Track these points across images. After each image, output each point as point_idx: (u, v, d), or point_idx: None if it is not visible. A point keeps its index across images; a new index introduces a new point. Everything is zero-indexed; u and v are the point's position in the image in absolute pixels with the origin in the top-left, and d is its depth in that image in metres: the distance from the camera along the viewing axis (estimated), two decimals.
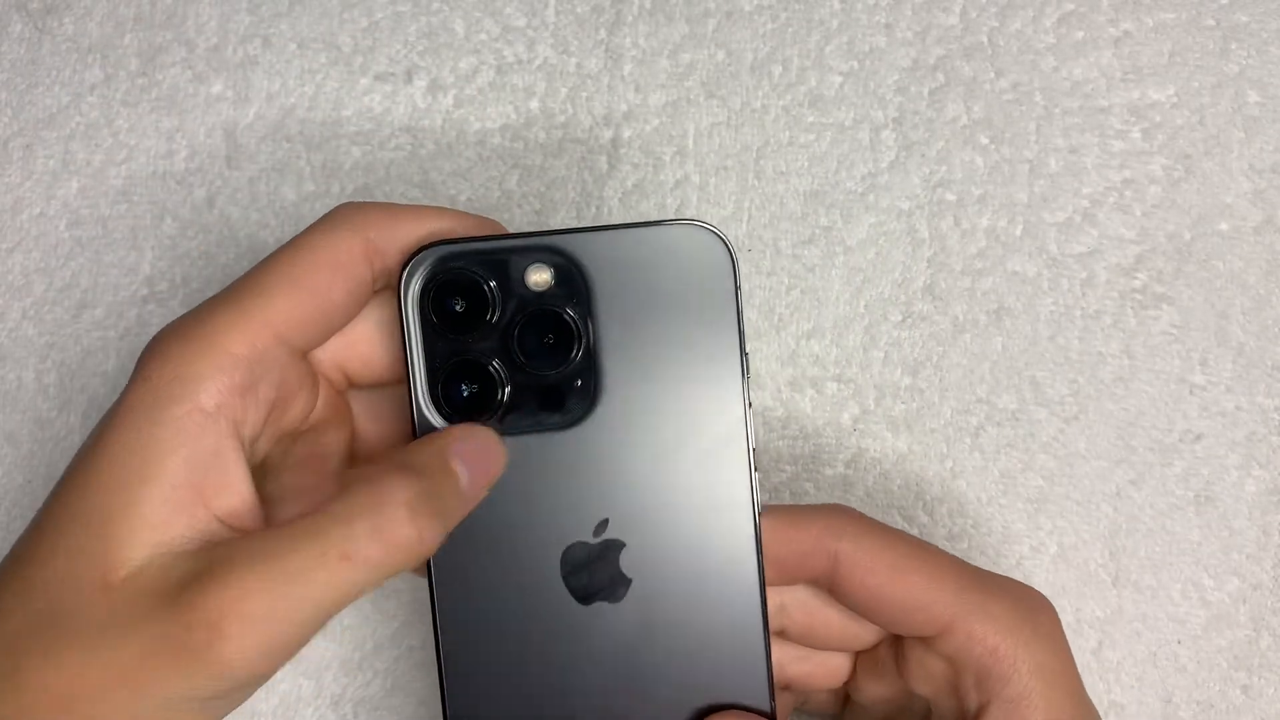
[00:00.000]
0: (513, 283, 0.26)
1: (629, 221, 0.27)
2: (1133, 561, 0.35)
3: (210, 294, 0.36)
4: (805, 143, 0.36)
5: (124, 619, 0.23)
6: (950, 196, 0.36)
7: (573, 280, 0.26)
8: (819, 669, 0.30)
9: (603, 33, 0.37)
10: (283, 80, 0.37)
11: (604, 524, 0.27)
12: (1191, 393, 0.36)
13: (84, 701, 0.22)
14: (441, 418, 0.26)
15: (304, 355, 0.26)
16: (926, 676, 0.28)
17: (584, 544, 0.27)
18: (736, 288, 0.26)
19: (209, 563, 0.23)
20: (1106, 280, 0.36)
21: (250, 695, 0.25)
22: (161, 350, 0.24)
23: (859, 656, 0.30)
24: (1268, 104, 0.37)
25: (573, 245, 0.26)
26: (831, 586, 0.28)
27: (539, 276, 0.26)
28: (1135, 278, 0.36)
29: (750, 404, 0.27)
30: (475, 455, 0.25)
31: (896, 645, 0.29)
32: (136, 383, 0.24)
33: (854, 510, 0.28)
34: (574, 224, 0.36)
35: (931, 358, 0.36)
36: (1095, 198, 0.36)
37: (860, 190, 0.36)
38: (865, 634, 0.29)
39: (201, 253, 0.37)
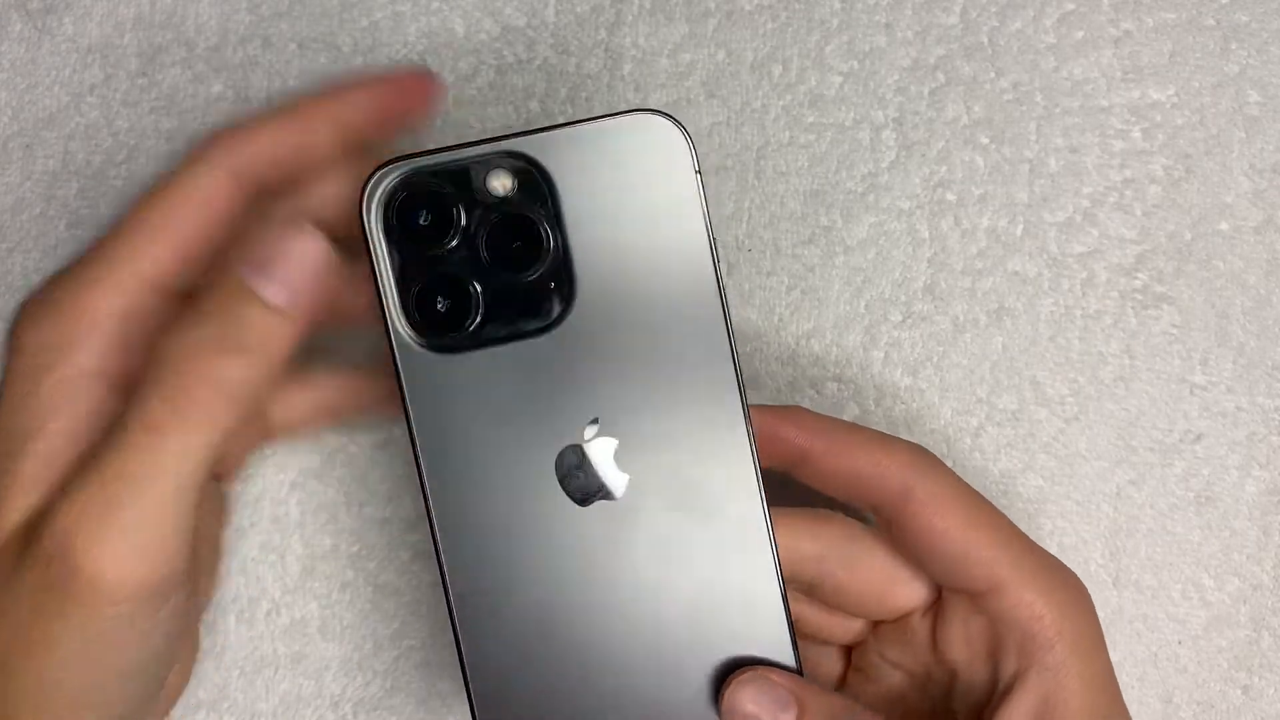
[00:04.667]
0: (475, 191, 0.26)
1: (582, 117, 0.27)
2: (1133, 562, 0.35)
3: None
4: (805, 143, 0.36)
5: (8, 580, 0.22)
6: (950, 196, 0.36)
7: (534, 182, 0.26)
8: (837, 623, 0.30)
9: (602, 33, 0.37)
10: (283, 81, 0.37)
11: (593, 424, 0.27)
12: (1192, 393, 0.36)
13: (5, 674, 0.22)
14: (418, 335, 0.26)
15: (180, 294, 0.25)
16: (966, 639, 0.27)
17: (575, 446, 0.26)
18: (697, 172, 0.26)
19: (56, 497, 0.22)
20: (1107, 280, 0.36)
21: (161, 615, 0.23)
22: (33, 318, 0.24)
23: (881, 624, 0.30)
24: (1268, 104, 0.37)
25: (530, 146, 0.26)
26: (895, 520, 0.27)
27: (500, 182, 0.26)
28: (1136, 278, 0.36)
29: (725, 287, 0.27)
30: (280, 260, 0.23)
31: (936, 609, 0.28)
32: (12, 355, 0.24)
33: (935, 455, 0.28)
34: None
35: (932, 358, 0.36)
36: (1096, 197, 0.36)
37: (860, 190, 0.36)
38: (898, 600, 0.29)
39: None
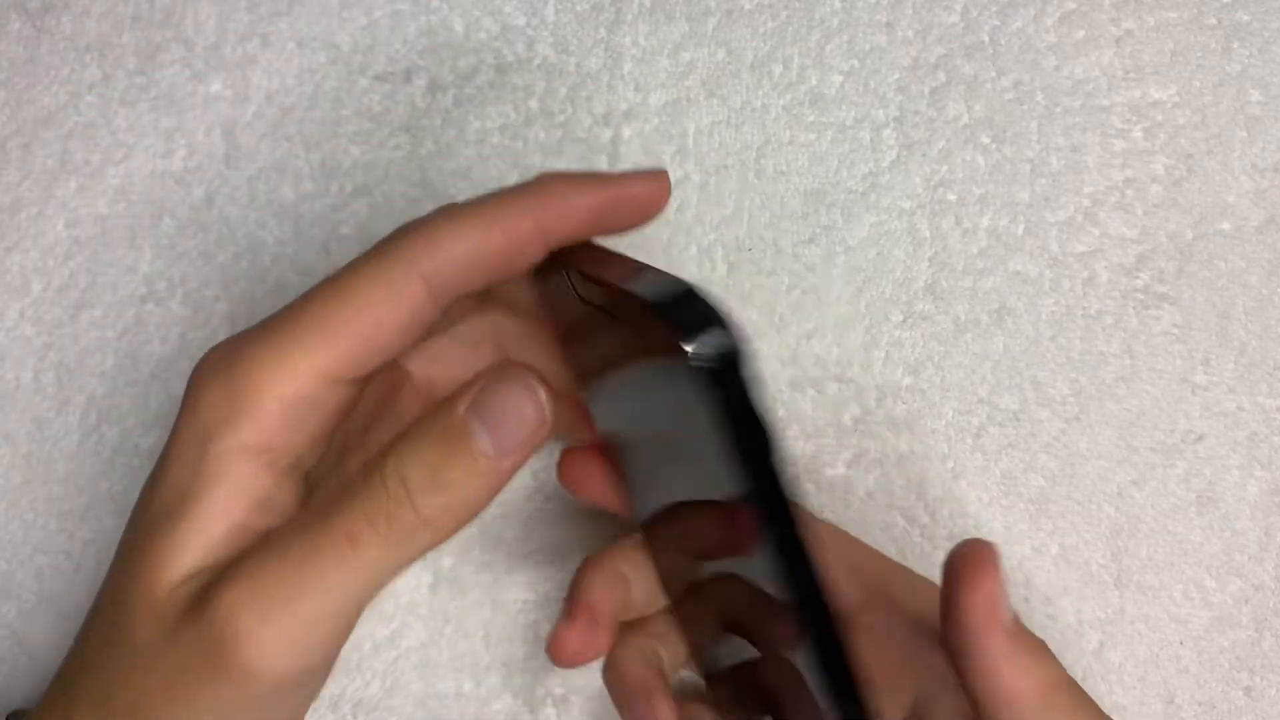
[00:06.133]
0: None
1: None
2: (1135, 562, 0.35)
3: (208, 294, 0.36)
4: (806, 142, 0.36)
5: (162, 636, 0.23)
6: (951, 196, 0.36)
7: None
8: None
9: (602, 31, 0.37)
10: (281, 79, 0.37)
11: None
12: (1193, 393, 0.36)
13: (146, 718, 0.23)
14: None
15: (356, 380, 0.25)
16: None
17: None
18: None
19: (228, 567, 0.23)
20: (1108, 280, 0.36)
21: (301, 708, 0.24)
22: (207, 384, 0.24)
23: None
24: (1269, 103, 0.37)
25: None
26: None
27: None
28: (1137, 277, 0.36)
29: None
30: (499, 415, 0.23)
31: None
32: (185, 414, 0.24)
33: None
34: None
35: (933, 358, 0.36)
36: (1097, 197, 0.36)
37: (861, 189, 0.36)
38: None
39: (200, 252, 0.37)
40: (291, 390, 0.24)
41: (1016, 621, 0.26)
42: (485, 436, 0.23)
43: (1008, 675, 0.25)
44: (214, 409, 0.24)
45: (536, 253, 0.24)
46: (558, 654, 0.28)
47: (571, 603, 0.28)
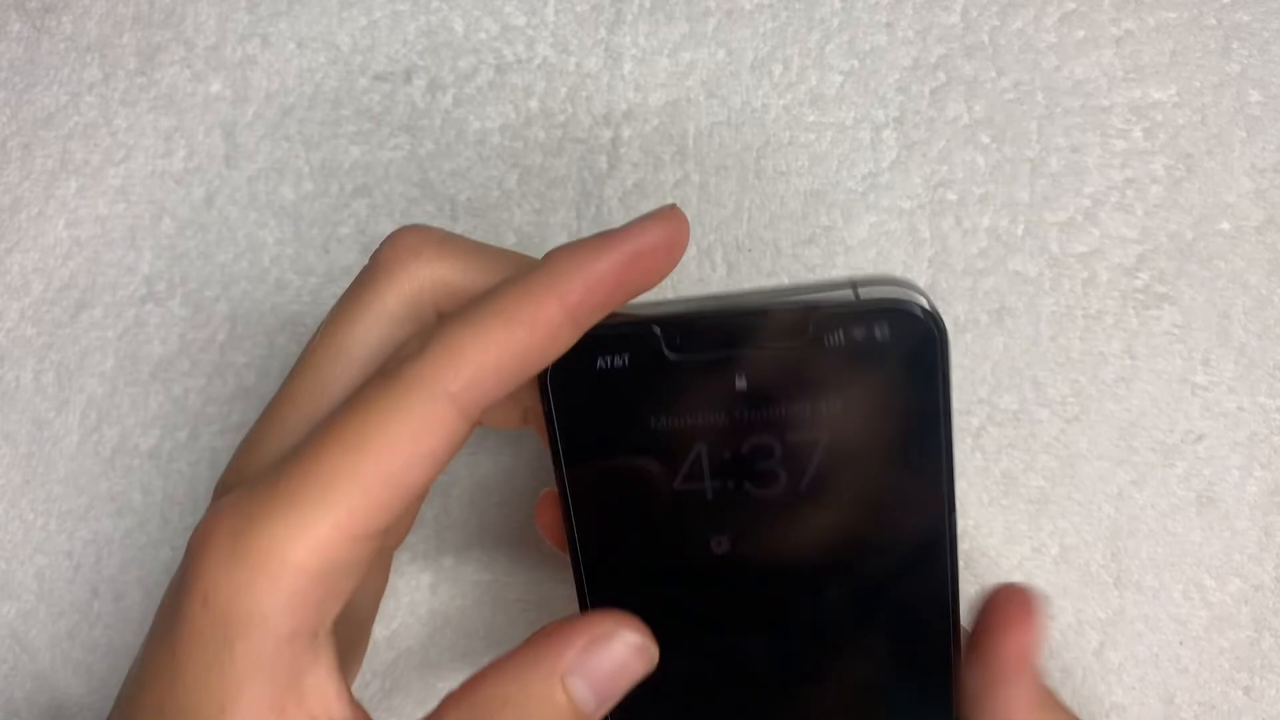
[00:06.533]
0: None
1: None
2: (1134, 562, 0.35)
3: (208, 294, 0.36)
4: (806, 142, 0.36)
5: None
6: (951, 196, 0.36)
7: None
8: None
9: (602, 31, 0.37)
10: (281, 79, 0.37)
11: None
12: (1193, 393, 0.36)
13: None
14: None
15: (390, 528, 0.23)
16: None
17: None
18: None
19: None
20: (1108, 280, 0.36)
21: None
22: (216, 563, 0.21)
23: None
24: (1269, 103, 0.37)
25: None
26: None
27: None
28: (1137, 277, 0.36)
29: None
30: (601, 674, 0.22)
31: None
32: (194, 603, 0.21)
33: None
34: (575, 224, 0.36)
35: None
36: (1097, 197, 0.36)
37: (861, 190, 0.36)
38: None
39: (200, 252, 0.37)
40: (317, 561, 0.21)
41: (1044, 682, 0.25)
42: (583, 685, 0.22)
43: None
44: (231, 597, 0.21)
45: (568, 338, 0.22)
46: None
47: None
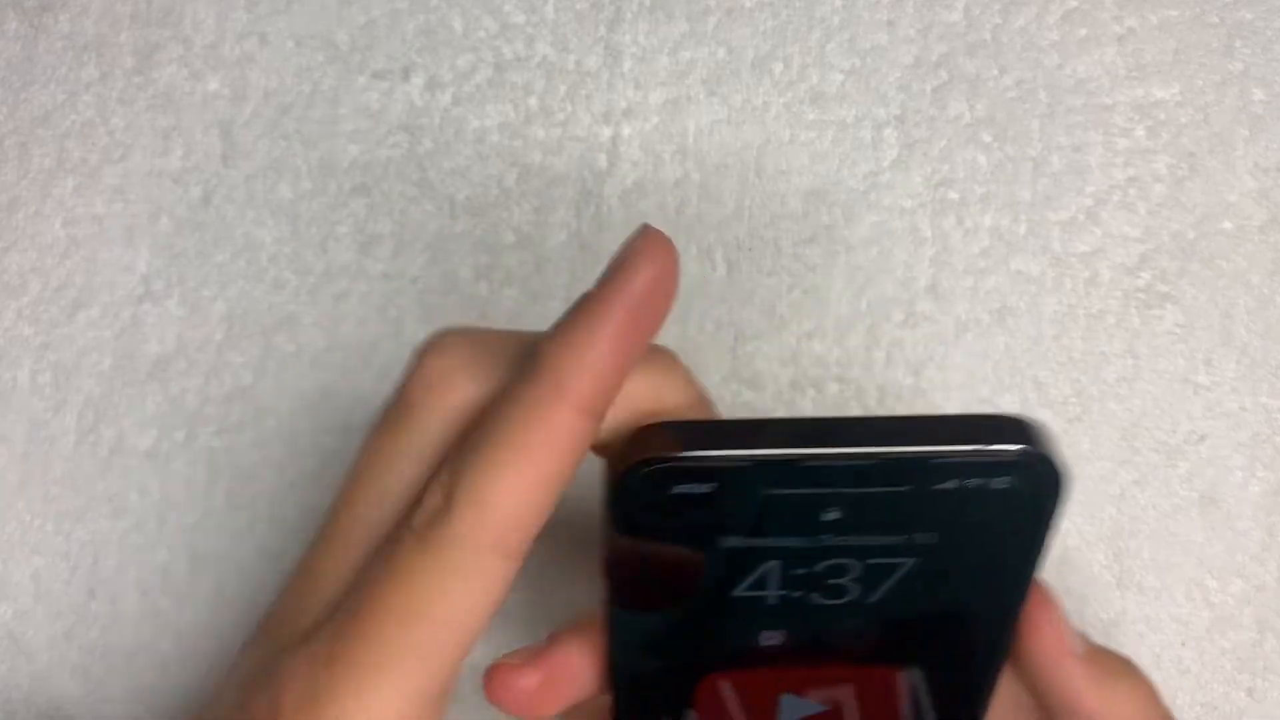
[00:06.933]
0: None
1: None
2: (1136, 563, 0.35)
3: (206, 293, 0.36)
4: (806, 141, 0.36)
5: None
6: (953, 195, 0.36)
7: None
8: None
9: (602, 29, 0.37)
10: (280, 78, 0.37)
11: None
12: (1196, 393, 0.35)
13: None
14: None
15: (448, 688, 0.23)
16: None
17: None
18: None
19: None
20: (1110, 279, 0.36)
21: None
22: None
23: None
24: (1272, 102, 0.36)
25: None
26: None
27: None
28: (1139, 277, 0.36)
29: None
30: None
31: None
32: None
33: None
34: (574, 223, 0.36)
35: (934, 358, 0.35)
36: (1099, 196, 0.36)
37: (862, 189, 0.36)
38: None
39: (197, 251, 0.36)
40: None
41: (1090, 645, 0.24)
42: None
43: (1090, 700, 0.24)
44: None
45: (591, 434, 0.21)
46: (501, 690, 0.24)
47: (541, 655, 0.24)
